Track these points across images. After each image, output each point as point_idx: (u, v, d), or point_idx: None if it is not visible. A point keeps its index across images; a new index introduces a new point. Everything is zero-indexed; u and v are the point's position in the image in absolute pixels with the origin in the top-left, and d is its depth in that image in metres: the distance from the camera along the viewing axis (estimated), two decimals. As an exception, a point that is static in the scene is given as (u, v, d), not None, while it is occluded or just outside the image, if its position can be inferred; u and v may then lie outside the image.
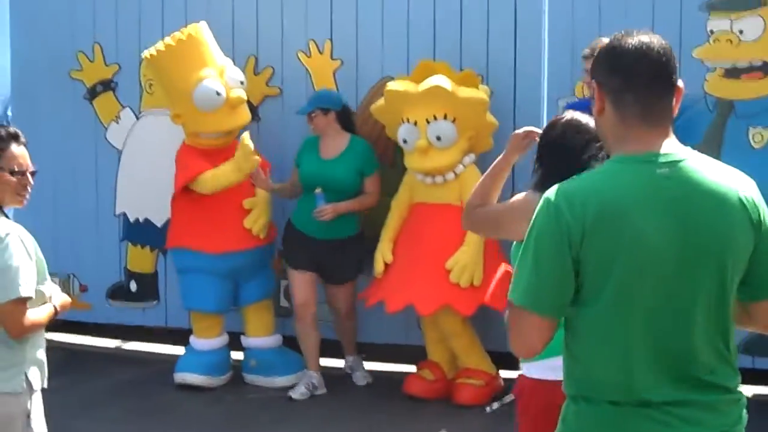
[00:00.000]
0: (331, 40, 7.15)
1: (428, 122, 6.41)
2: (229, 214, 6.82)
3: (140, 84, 7.58)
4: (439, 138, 6.41)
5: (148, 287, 7.71)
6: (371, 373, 7.03)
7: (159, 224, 7.57)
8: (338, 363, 7.12)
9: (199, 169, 6.70)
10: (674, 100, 2.90)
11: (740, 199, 2.86)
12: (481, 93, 6.52)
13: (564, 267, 2.81)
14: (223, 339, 7.04)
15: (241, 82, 6.85)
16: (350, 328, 6.99)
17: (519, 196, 4.12)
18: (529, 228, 2.87)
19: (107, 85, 7.68)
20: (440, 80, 6.42)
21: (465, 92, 6.46)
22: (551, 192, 2.87)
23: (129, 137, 7.65)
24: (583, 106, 4.73)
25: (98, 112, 7.71)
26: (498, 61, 6.78)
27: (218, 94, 6.72)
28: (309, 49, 7.18)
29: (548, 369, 3.82)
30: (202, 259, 6.80)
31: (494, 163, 4.18)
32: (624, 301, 2.83)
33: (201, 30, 6.88)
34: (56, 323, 7.96)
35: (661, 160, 2.84)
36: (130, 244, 7.73)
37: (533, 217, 2.88)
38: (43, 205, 7.80)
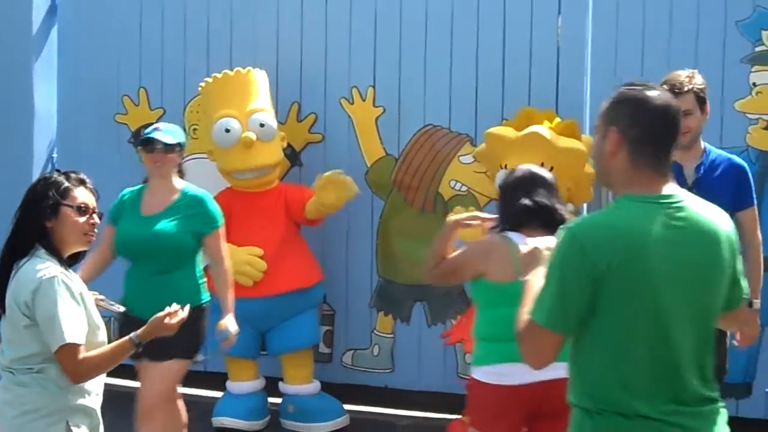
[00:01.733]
0: (374, 87, 7.20)
1: None
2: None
3: (185, 129, 7.64)
4: None
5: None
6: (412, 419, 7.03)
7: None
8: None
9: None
10: None
11: (726, 235, 3.25)
12: (580, 144, 6.40)
13: (585, 296, 3.14)
14: (260, 382, 7.04)
15: (261, 125, 6.85)
16: None
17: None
18: (552, 257, 3.20)
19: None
20: (539, 128, 6.35)
21: (564, 142, 6.36)
22: (575, 227, 3.20)
23: (174, 181, 7.67)
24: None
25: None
26: (540, 105, 6.78)
27: (227, 131, 6.80)
28: (352, 95, 7.23)
29: (489, 374, 4.74)
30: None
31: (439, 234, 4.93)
32: (634, 326, 3.15)
33: (252, 74, 6.96)
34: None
35: (668, 201, 3.19)
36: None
37: (556, 247, 3.20)
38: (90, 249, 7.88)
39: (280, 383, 7.08)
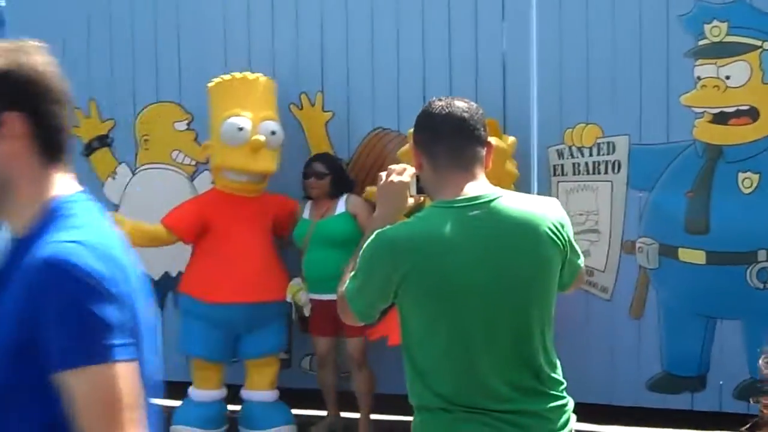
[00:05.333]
0: (322, 92, 7.21)
1: None
2: (239, 266, 6.81)
3: (136, 140, 7.64)
4: None
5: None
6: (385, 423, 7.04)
7: (156, 277, 7.60)
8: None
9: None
10: (484, 151, 3.40)
11: (548, 227, 3.29)
12: (501, 142, 6.45)
13: (385, 296, 3.31)
14: (221, 392, 7.04)
15: (273, 132, 6.85)
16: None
17: None
18: (363, 251, 3.34)
19: (103, 141, 7.73)
20: None
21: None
22: (381, 233, 3.31)
23: (125, 192, 7.69)
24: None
25: (95, 167, 7.76)
26: (488, 110, 6.77)
27: (240, 129, 6.76)
28: (301, 101, 7.24)
29: None
30: (198, 306, 6.81)
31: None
32: (454, 328, 3.24)
33: (266, 81, 6.96)
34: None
35: (473, 202, 3.28)
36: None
37: (368, 245, 3.33)
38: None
39: (242, 389, 7.08)
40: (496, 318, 3.24)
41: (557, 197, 6.65)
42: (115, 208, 7.63)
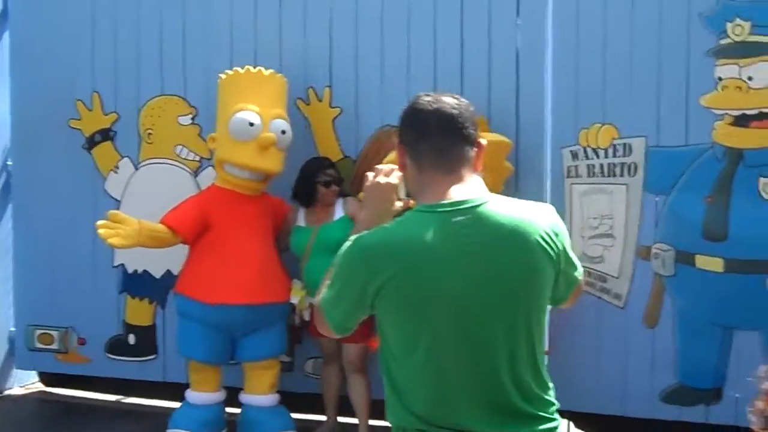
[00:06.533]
0: (330, 87, 7.00)
1: None
2: (237, 266, 6.59)
3: (139, 133, 7.45)
4: None
5: (146, 341, 7.54)
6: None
7: (158, 276, 7.43)
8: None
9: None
10: (473, 152, 3.16)
11: (539, 236, 3.05)
12: (503, 137, 6.35)
13: (357, 306, 3.09)
14: (221, 394, 6.83)
15: (283, 131, 6.64)
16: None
17: None
18: (338, 258, 3.13)
19: (106, 135, 7.55)
20: None
21: (489, 136, 6.23)
22: (357, 239, 3.11)
23: (127, 187, 7.50)
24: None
25: (97, 161, 7.57)
26: (500, 108, 6.60)
27: (251, 124, 6.54)
28: (308, 96, 7.03)
29: None
30: (195, 307, 6.59)
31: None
32: (434, 343, 3.00)
33: (279, 79, 6.75)
34: (54, 377, 8.02)
35: (458, 207, 3.04)
36: (128, 296, 7.58)
37: (343, 252, 3.13)
38: (41, 255, 7.72)
39: (241, 393, 6.88)
40: (480, 333, 2.99)
41: (571, 199, 6.47)
42: (116, 203, 7.45)
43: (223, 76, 6.71)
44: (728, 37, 6.22)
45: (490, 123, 6.56)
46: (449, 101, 3.16)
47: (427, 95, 3.20)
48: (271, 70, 6.71)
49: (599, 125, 6.43)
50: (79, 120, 7.60)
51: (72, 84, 7.60)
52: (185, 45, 7.33)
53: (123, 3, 7.50)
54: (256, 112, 6.57)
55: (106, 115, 7.54)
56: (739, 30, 6.20)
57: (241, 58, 7.02)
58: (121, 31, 7.50)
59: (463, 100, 3.21)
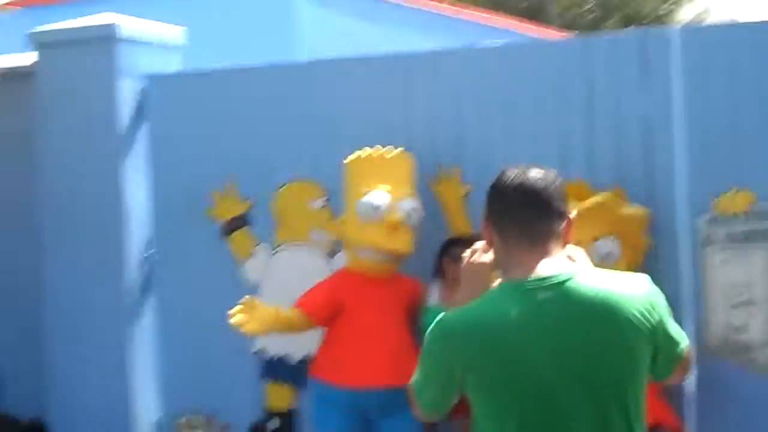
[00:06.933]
0: (460, 165, 6.97)
1: (593, 241, 6.12)
2: (371, 348, 6.54)
3: (273, 219, 7.52)
4: (606, 256, 6.11)
5: (287, 425, 7.55)
6: None
7: (297, 359, 7.44)
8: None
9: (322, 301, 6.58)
10: (560, 226, 3.15)
11: (632, 311, 2.96)
12: (641, 210, 6.28)
13: (445, 386, 3.10)
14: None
15: (412, 211, 6.61)
16: None
17: None
18: (425, 339, 3.18)
19: (242, 221, 7.64)
20: (603, 197, 6.23)
21: (628, 209, 6.27)
22: (441, 319, 3.12)
23: (265, 273, 7.57)
24: None
25: (234, 248, 7.67)
26: (632, 178, 6.46)
27: (376, 208, 6.54)
28: (438, 174, 7.01)
29: None
30: (329, 391, 6.57)
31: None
32: (521, 422, 2.94)
33: (405, 158, 6.76)
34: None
35: (544, 284, 3.00)
36: (269, 381, 7.61)
37: (428, 335, 3.17)
38: (185, 342, 7.83)
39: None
40: (567, 412, 2.92)
41: (707, 269, 6.27)
42: (255, 289, 7.52)
43: (349, 159, 6.74)
44: None
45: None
46: (534, 174, 3.20)
47: (513, 169, 3.23)
48: (397, 150, 6.71)
49: (735, 190, 6.25)
50: (215, 208, 7.72)
51: (208, 173, 7.73)
52: (315, 130, 7.39)
53: (256, 94, 7.62)
54: (383, 193, 6.57)
55: (242, 201, 7.64)
56: None
57: (370, 139, 7.04)
58: (252, 119, 7.62)
59: (550, 172, 3.23)
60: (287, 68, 7.78)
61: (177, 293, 7.92)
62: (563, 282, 3.01)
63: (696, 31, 6.70)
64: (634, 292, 3.02)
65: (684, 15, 36.00)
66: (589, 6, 32.24)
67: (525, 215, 3.12)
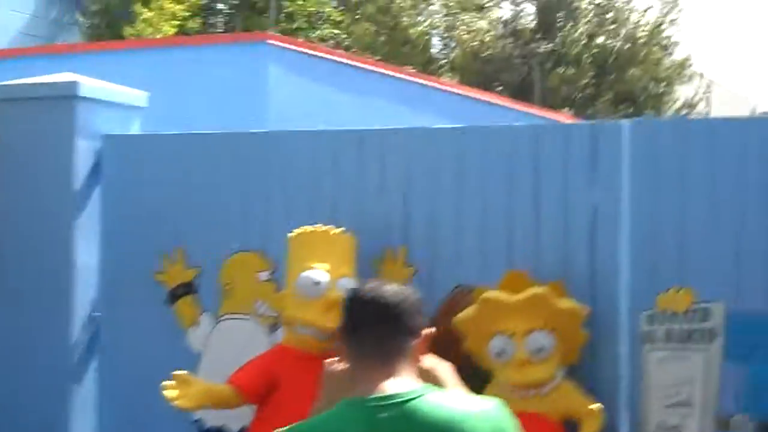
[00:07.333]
0: (405, 246, 6.92)
1: (527, 334, 6.09)
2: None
3: (219, 288, 7.46)
4: (538, 350, 6.10)
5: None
6: None
7: (235, 431, 7.35)
8: None
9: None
10: (412, 343, 3.10)
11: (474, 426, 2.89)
12: (577, 304, 6.24)
13: None
14: None
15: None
16: None
17: None
18: None
19: (188, 288, 7.58)
20: (540, 290, 6.19)
21: (565, 303, 6.21)
22: (287, 429, 3.07)
23: (207, 343, 7.49)
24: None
25: (179, 315, 7.59)
26: (576, 271, 6.42)
27: (316, 284, 6.52)
28: (382, 255, 6.96)
29: None
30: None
31: None
32: None
33: (347, 238, 6.75)
34: None
35: (386, 402, 2.93)
36: (207, 450, 7.52)
37: None
38: (126, 406, 7.74)
39: None
40: None
41: (647, 366, 6.20)
42: (197, 357, 7.44)
43: (292, 234, 6.70)
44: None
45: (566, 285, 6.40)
46: (389, 290, 3.14)
47: (367, 284, 3.18)
48: (339, 230, 6.69)
49: (678, 288, 6.20)
50: (163, 273, 7.66)
51: (158, 237, 7.68)
52: (267, 203, 7.35)
53: (212, 161, 7.59)
54: (323, 270, 6.53)
55: (189, 269, 7.58)
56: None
57: (320, 215, 7.00)
58: (205, 186, 7.58)
59: (406, 288, 3.19)
60: (243, 136, 7.76)
61: (122, 356, 7.84)
62: (406, 401, 2.94)
63: (647, 125, 6.68)
64: (481, 415, 2.95)
65: (680, 95, 36.05)
66: (583, 82, 32.37)
67: (375, 330, 3.08)
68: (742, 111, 36.94)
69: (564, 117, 21.45)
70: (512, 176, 6.67)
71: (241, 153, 7.54)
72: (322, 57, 13.52)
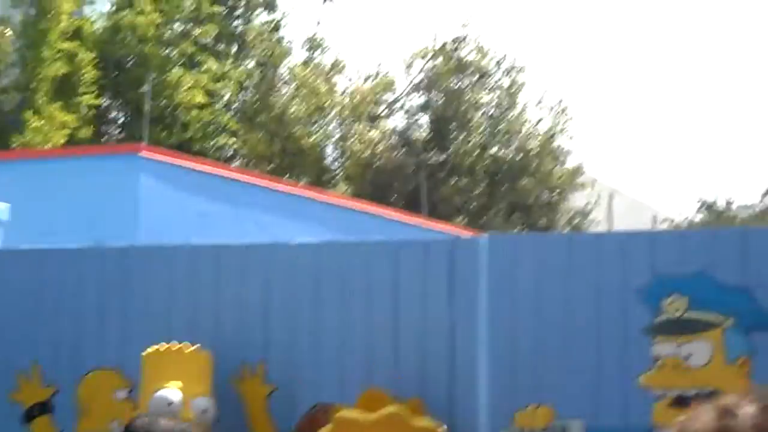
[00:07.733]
0: (264, 362, 6.79)
1: None
2: None
3: (76, 407, 7.24)
4: None
5: None
6: None
7: None
8: None
9: None
10: None
11: None
12: (434, 423, 6.18)
13: None
14: None
15: (204, 411, 6.44)
16: None
17: None
18: None
19: (44, 407, 7.34)
20: (396, 409, 6.13)
21: (421, 422, 6.14)
22: None
23: (63, 464, 7.25)
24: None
25: (34, 436, 7.35)
26: (434, 388, 6.35)
27: (169, 404, 6.37)
28: (241, 372, 6.82)
29: None
30: None
31: None
32: None
33: (203, 356, 6.63)
34: None
35: None
36: None
37: None
38: None
39: None
40: None
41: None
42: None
43: (145, 353, 6.56)
44: (665, 313, 5.98)
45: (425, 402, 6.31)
46: (163, 424, 3.05)
47: (145, 416, 3.13)
48: (194, 347, 6.56)
49: (536, 405, 6.14)
50: (19, 392, 7.42)
51: (15, 354, 7.45)
52: (125, 319, 7.19)
53: (66, 275, 7.41)
54: (176, 390, 6.39)
55: (45, 387, 7.35)
56: (676, 306, 5.97)
57: (178, 332, 6.85)
58: (63, 301, 7.39)
59: (183, 424, 3.12)
60: (102, 251, 7.60)
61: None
62: None
63: (504, 240, 6.68)
64: None
65: (575, 203, 36.43)
66: (477, 192, 32.66)
67: None
68: (644, 218, 37.48)
69: (458, 228, 21.55)
70: (371, 291, 6.60)
71: (98, 268, 7.37)
72: (194, 169, 13.46)
